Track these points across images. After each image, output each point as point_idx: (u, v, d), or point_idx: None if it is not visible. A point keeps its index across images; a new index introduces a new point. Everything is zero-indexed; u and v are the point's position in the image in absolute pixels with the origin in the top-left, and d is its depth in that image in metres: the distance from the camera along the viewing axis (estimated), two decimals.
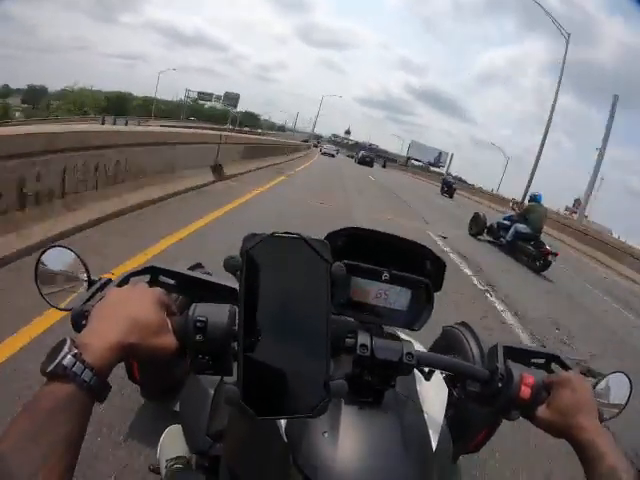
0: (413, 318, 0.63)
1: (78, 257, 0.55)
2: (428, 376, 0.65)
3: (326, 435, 0.53)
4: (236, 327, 0.43)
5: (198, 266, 1.09)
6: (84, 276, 0.56)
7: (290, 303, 0.41)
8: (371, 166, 33.07)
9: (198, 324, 0.45)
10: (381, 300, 0.63)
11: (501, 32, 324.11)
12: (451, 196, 19.21)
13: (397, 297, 0.64)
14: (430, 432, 0.60)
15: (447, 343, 1.02)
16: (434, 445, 0.59)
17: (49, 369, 0.35)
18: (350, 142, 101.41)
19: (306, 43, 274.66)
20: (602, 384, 0.62)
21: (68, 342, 0.37)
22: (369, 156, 35.52)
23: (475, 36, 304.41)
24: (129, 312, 0.41)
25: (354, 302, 0.63)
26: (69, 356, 0.36)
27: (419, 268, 0.66)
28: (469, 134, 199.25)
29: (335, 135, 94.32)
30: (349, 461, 0.50)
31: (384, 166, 39.70)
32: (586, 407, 0.52)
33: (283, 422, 0.56)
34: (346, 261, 0.55)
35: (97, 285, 0.54)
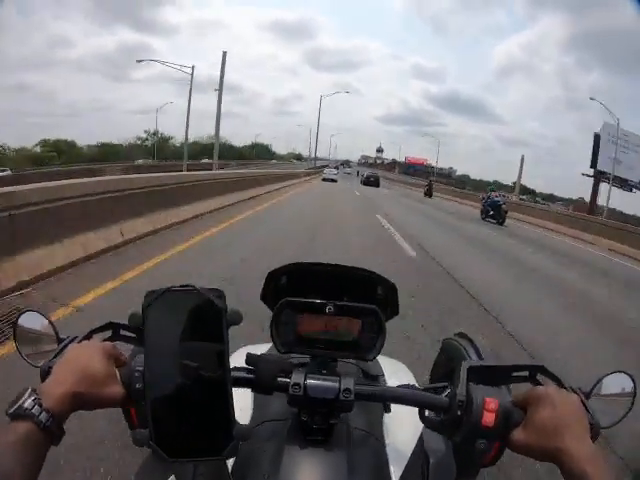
0: (365, 348, 0.65)
1: (47, 319, 0.60)
2: (387, 408, 0.66)
3: (267, 477, 0.55)
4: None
5: None
6: (54, 335, 0.59)
7: (191, 352, 0.46)
8: (377, 186, 33.03)
9: (136, 373, 0.50)
10: (330, 333, 0.65)
11: (512, 17, 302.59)
12: (500, 222, 14.09)
13: (346, 328, 0.65)
14: (391, 466, 0.61)
15: (447, 356, 0.86)
16: (395, 478, 0.60)
17: (11, 410, 0.42)
18: (385, 161, 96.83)
19: (317, 69, 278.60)
20: (598, 388, 0.58)
21: (29, 390, 0.44)
22: (373, 176, 36.41)
23: (486, 27, 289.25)
24: (79, 365, 0.47)
25: (304, 338, 0.65)
26: (29, 400, 0.43)
27: (369, 294, 0.69)
28: (497, 134, 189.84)
29: (365, 156, 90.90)
30: None
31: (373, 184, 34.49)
32: (572, 426, 0.47)
33: (230, 465, 0.60)
34: (288, 299, 0.64)
35: (64, 343, 0.57)
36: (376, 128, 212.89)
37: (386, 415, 0.69)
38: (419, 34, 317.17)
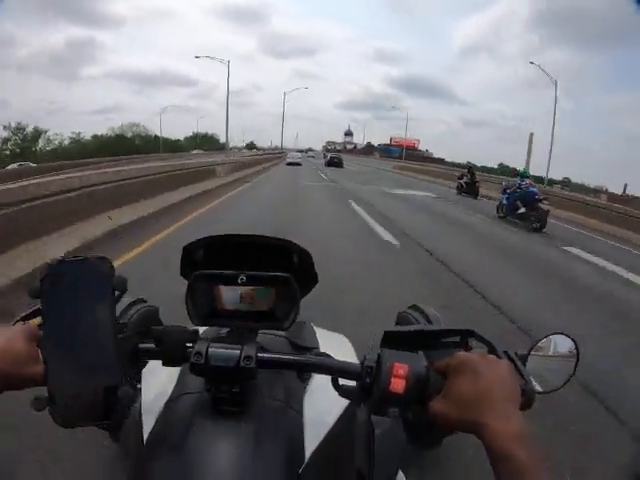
0: (281, 317, 0.66)
1: None
2: (301, 378, 0.68)
3: (180, 449, 0.56)
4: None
5: (139, 301, 1.02)
6: None
7: (83, 320, 0.50)
8: (341, 167, 35.43)
9: None
10: (247, 304, 0.67)
11: None
12: (539, 226, 9.28)
13: (262, 298, 0.67)
14: (307, 438, 0.62)
15: None
16: (309, 450, 0.60)
17: None
18: (358, 145, 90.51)
19: (274, 56, 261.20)
20: (537, 351, 0.59)
21: None
22: (337, 157, 39.39)
23: (449, 4, 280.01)
24: (1, 347, 0.49)
25: (221, 310, 0.67)
26: None
27: (287, 264, 0.70)
28: (460, 116, 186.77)
29: (331, 142, 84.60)
30: (198, 477, 0.53)
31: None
32: (495, 397, 0.45)
33: (145, 434, 0.62)
34: (201, 271, 0.65)
35: None
36: (338, 115, 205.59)
37: (310, 387, 0.70)
38: (378, 14, 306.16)
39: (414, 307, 1.00)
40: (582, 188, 45.37)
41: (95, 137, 59.77)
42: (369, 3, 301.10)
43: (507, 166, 61.90)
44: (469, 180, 15.95)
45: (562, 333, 0.61)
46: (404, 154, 58.88)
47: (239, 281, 0.65)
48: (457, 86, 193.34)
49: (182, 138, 78.27)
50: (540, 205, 9.20)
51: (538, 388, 0.56)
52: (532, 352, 0.59)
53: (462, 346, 0.58)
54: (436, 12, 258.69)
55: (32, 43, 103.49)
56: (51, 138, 52.82)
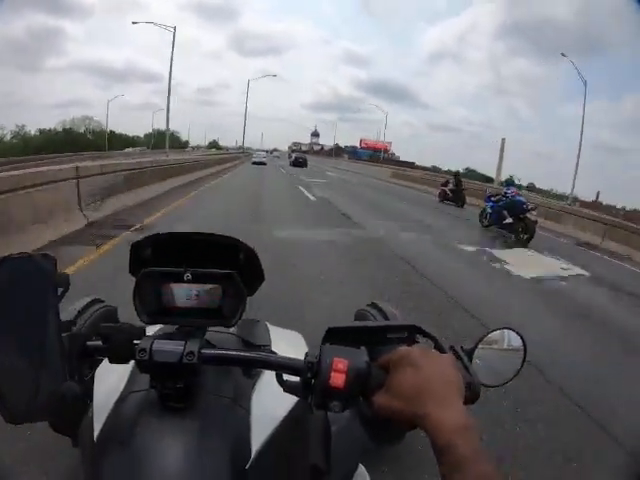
0: (228, 314, 0.67)
1: None
2: (246, 374, 0.69)
3: (127, 446, 0.56)
4: None
5: (97, 301, 1.06)
6: None
7: (27, 318, 0.50)
8: (305, 166, 36.09)
9: None
10: (193, 302, 0.67)
11: (447, 1, 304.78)
12: (527, 238, 8.43)
13: (208, 296, 0.67)
14: (253, 434, 0.62)
15: None
16: (254, 448, 0.61)
17: None
18: (325, 147, 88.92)
19: (242, 55, 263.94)
20: (484, 345, 0.60)
21: None
22: (301, 157, 40.29)
23: (420, 11, 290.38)
24: None
25: (170, 308, 0.67)
26: None
27: (233, 261, 0.70)
28: (426, 120, 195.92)
29: (297, 143, 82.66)
30: (145, 473, 0.53)
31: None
32: (436, 389, 0.46)
33: (96, 432, 0.62)
34: (147, 269, 0.65)
35: None
36: (305, 116, 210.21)
37: (259, 384, 0.70)
38: (349, 16, 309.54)
39: (372, 305, 0.99)
40: (548, 194, 45.51)
41: (42, 132, 55.35)
42: (340, 5, 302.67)
43: (474, 170, 62.04)
44: (455, 187, 14.95)
45: (509, 328, 0.62)
46: (380, 157, 58.04)
47: (185, 278, 0.66)
48: (423, 91, 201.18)
49: (142, 135, 74.88)
50: (528, 215, 8.37)
51: (485, 382, 0.56)
52: (479, 346, 0.60)
53: (408, 341, 0.60)
54: (407, 17, 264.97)
55: None
56: None
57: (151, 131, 77.22)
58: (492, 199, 9.52)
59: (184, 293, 0.67)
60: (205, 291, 0.67)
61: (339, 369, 0.51)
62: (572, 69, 20.98)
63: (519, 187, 13.27)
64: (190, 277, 0.65)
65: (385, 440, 0.83)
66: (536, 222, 8.37)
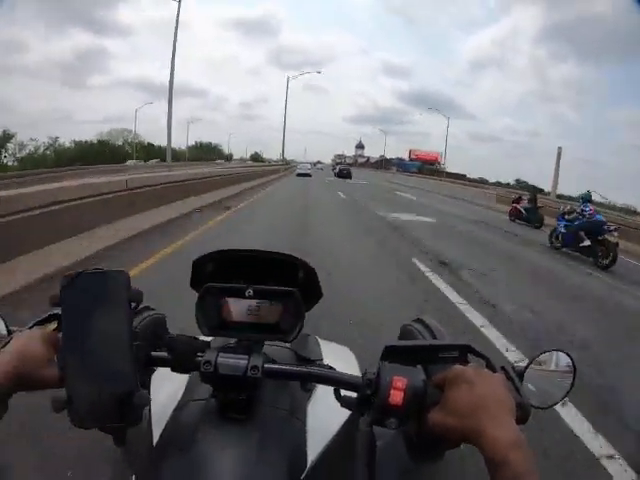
0: (286, 330, 0.70)
1: None
2: (304, 388, 0.69)
3: (186, 453, 0.59)
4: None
5: (146, 309, 1.02)
6: (4, 329, 0.67)
7: (101, 329, 0.53)
8: (350, 178, 36.49)
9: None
10: (253, 317, 0.70)
11: (485, 8, 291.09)
12: (606, 264, 7.47)
13: (268, 311, 0.70)
14: (310, 446, 0.65)
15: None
16: (311, 458, 0.64)
17: None
18: (371, 159, 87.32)
19: (280, 68, 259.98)
20: (534, 367, 0.61)
21: None
22: (346, 169, 41.16)
23: (458, 19, 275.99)
24: (20, 349, 0.54)
25: (229, 322, 0.71)
26: None
27: (292, 279, 0.74)
28: (469, 130, 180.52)
29: (340, 155, 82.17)
30: (203, 476, 0.56)
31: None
32: (490, 407, 0.47)
33: (155, 437, 0.67)
34: (211, 284, 0.70)
35: (13, 334, 0.62)
36: (346, 129, 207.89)
37: (313, 397, 0.74)
38: (387, 27, 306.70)
39: (418, 320, 0.97)
40: (603, 206, 40.50)
41: (77, 143, 55.40)
42: (377, 16, 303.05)
43: (525, 182, 56.97)
44: (530, 205, 13.04)
45: (559, 350, 0.63)
46: (432, 169, 55.67)
47: (247, 294, 0.69)
48: (465, 100, 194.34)
49: (184, 147, 76.57)
50: (607, 237, 7.50)
51: (534, 403, 0.57)
52: (529, 367, 0.61)
53: (460, 361, 0.60)
54: (446, 26, 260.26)
55: (39, 49, 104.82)
56: (25, 143, 49.31)
57: (194, 143, 79.45)
58: (565, 217, 8.61)
59: (244, 308, 0.70)
60: (265, 307, 0.70)
61: (398, 387, 0.53)
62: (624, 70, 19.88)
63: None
64: (252, 293, 0.69)
65: (425, 460, 0.78)
66: (617, 244, 7.45)
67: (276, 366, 0.62)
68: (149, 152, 59.62)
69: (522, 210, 13.11)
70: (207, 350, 0.61)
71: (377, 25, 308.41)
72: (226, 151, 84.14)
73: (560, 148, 32.36)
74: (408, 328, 0.95)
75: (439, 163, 70.27)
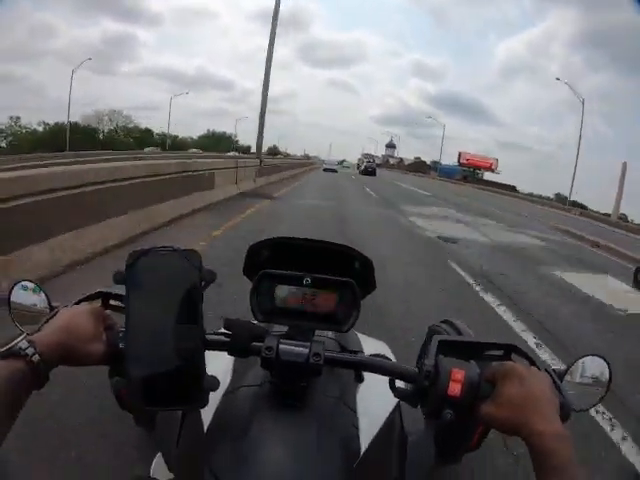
0: (341, 320, 0.71)
1: (40, 288, 0.70)
2: (358, 377, 0.75)
3: (241, 438, 0.61)
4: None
5: None
6: (46, 304, 0.70)
7: (168, 308, 0.54)
8: (374, 175, 37.77)
9: (120, 334, 0.59)
10: (308, 305, 0.72)
11: (519, 10, 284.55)
12: None
13: (323, 300, 0.71)
14: (361, 434, 0.69)
15: None
16: (363, 446, 0.67)
17: (5, 349, 0.49)
18: (403, 160, 79.59)
19: (310, 65, 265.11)
20: (573, 370, 0.64)
21: (24, 334, 0.56)
22: (371, 166, 41.10)
23: (491, 22, 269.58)
24: (67, 322, 0.56)
25: (282, 309, 0.72)
26: (24, 341, 0.51)
27: (347, 269, 0.75)
28: (496, 138, 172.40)
29: (368, 155, 75.78)
30: (260, 464, 0.58)
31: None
32: (540, 403, 0.52)
33: (205, 425, 0.68)
34: (267, 270, 0.71)
35: (56, 310, 0.64)
36: (372, 128, 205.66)
37: (361, 386, 0.78)
38: (419, 28, 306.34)
39: (446, 321, 0.99)
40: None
41: (46, 125, 50.04)
42: (409, 16, 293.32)
43: (565, 197, 42.71)
44: None
45: (597, 355, 0.64)
46: (478, 176, 48.13)
47: (304, 282, 0.70)
48: (494, 105, 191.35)
49: (195, 137, 73.50)
50: None
51: (572, 405, 0.60)
52: (569, 371, 0.63)
53: (504, 359, 0.65)
54: (478, 29, 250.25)
55: (69, 37, 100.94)
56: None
57: (206, 132, 74.39)
58: None
59: (299, 296, 0.71)
60: (322, 296, 0.71)
61: (457, 379, 0.56)
62: None
63: None
64: (309, 281, 0.70)
65: (448, 461, 0.84)
66: None
67: (336, 354, 0.68)
68: (143, 139, 55.23)
69: None
70: (267, 336, 0.64)
71: (409, 26, 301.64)
72: (241, 142, 77.92)
73: (625, 163, 29.03)
74: (435, 328, 0.92)
75: (492, 170, 62.39)
